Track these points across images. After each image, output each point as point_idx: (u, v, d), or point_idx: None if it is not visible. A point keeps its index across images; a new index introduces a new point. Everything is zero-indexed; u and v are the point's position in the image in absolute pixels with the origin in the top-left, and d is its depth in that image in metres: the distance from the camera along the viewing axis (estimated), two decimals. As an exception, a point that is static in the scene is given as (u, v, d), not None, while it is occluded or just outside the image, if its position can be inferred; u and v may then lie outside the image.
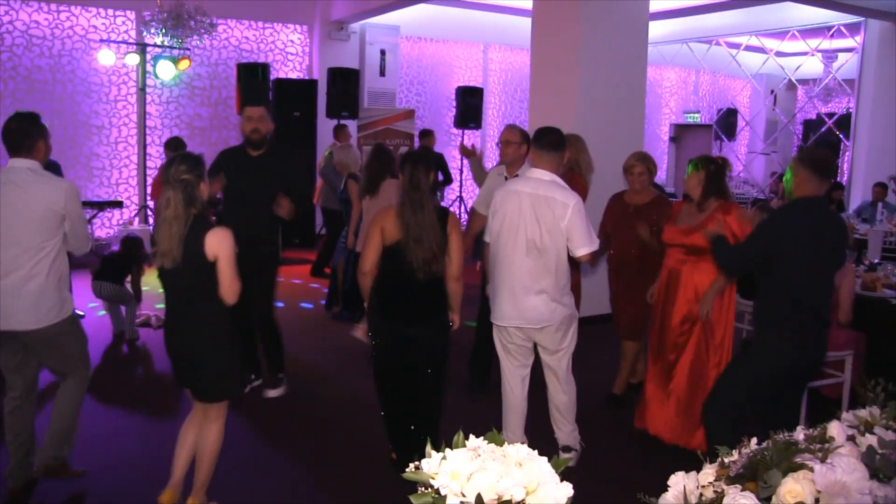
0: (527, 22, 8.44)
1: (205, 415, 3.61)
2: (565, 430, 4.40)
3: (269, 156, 5.22)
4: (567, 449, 4.40)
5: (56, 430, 3.87)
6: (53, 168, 7.38)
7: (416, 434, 4.11)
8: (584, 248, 4.08)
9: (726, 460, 1.85)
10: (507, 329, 4.25)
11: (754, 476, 1.66)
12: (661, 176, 16.06)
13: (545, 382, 4.41)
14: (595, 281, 6.96)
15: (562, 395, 4.35)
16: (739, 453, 1.83)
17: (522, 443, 3.41)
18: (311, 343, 6.82)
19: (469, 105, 13.43)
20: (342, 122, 11.16)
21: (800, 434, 1.82)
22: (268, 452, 4.55)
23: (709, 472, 1.85)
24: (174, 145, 8.16)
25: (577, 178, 5.44)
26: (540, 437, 4.27)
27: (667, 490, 1.81)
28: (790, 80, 15.55)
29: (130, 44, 11.35)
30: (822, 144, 14.40)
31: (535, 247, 4.05)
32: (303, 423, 5.01)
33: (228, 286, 3.37)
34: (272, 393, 5.38)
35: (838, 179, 12.25)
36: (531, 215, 4.05)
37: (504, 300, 4.17)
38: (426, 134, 11.44)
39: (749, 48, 15.50)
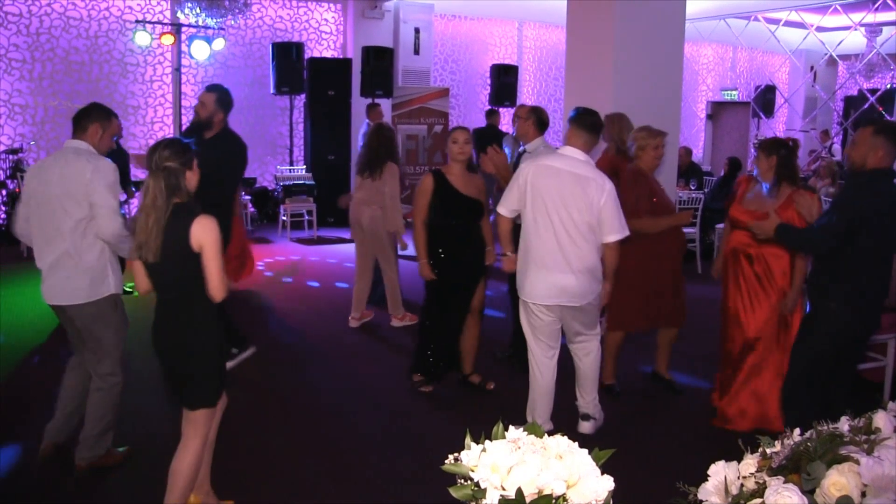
0: (562, -1, 8.32)
1: (184, 430, 3.27)
2: (588, 398, 4.49)
3: (214, 139, 5.19)
4: (587, 417, 4.51)
5: (91, 432, 3.88)
6: (119, 154, 7.50)
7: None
8: (615, 234, 4.09)
9: (768, 451, 1.82)
10: (536, 308, 4.23)
11: (797, 468, 1.63)
12: (697, 154, 15.84)
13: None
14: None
15: (586, 365, 4.43)
16: (782, 444, 1.80)
17: (548, 430, 3.41)
18: (342, 323, 6.83)
19: (504, 83, 13.36)
20: (375, 100, 11.14)
21: (844, 425, 1.78)
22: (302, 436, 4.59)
23: (750, 463, 1.82)
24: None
25: (624, 163, 5.38)
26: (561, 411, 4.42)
27: (707, 479, 1.79)
28: (831, 55, 15.18)
29: (166, 24, 11.41)
30: (864, 121, 14.09)
31: (571, 224, 4.03)
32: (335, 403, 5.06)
33: (215, 279, 3.07)
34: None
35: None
36: (567, 192, 4.03)
37: (539, 277, 4.15)
38: (492, 113, 11.63)
39: (788, 23, 15.12)
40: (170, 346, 3.20)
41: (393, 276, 6.79)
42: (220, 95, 5.25)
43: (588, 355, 4.41)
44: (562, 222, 4.04)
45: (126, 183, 7.57)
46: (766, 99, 16.19)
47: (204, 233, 3.03)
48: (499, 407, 4.81)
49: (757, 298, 4.55)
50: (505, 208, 4.28)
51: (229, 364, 5.45)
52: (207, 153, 5.24)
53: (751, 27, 15.56)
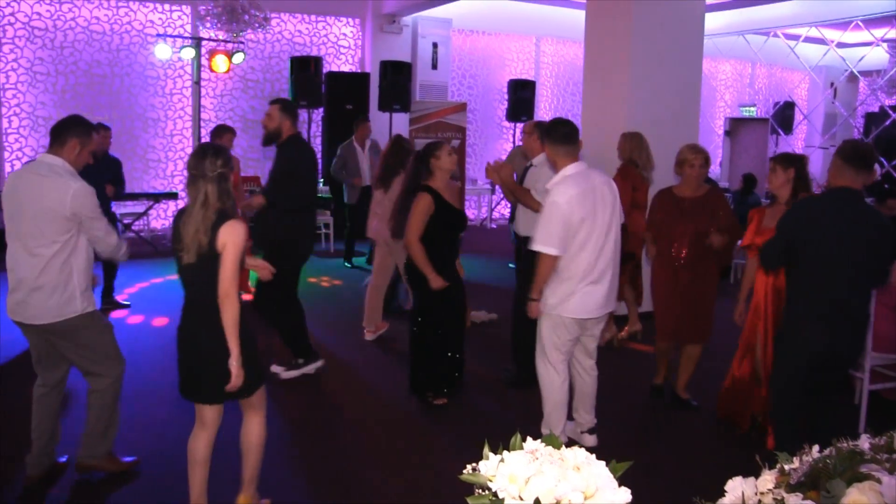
0: (580, 14, 8.33)
1: (243, 410, 3.53)
2: (592, 413, 4.56)
3: (284, 146, 5.42)
4: (592, 430, 4.56)
5: (90, 432, 3.93)
6: (114, 163, 7.54)
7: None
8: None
9: (786, 467, 1.79)
10: (568, 322, 4.24)
11: (816, 485, 1.61)
12: (714, 170, 15.76)
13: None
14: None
15: (593, 382, 4.53)
16: (801, 460, 1.77)
17: (564, 442, 3.40)
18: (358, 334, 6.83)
19: (521, 98, 13.37)
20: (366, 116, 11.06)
21: (865, 443, 1.75)
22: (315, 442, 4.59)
23: (768, 479, 1.79)
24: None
25: (632, 170, 5.71)
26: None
27: (723, 495, 1.77)
28: (852, 71, 15.11)
29: (186, 38, 11.52)
30: (885, 138, 13.98)
31: (611, 235, 4.20)
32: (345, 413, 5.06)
33: (225, 281, 3.18)
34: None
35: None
36: (604, 206, 4.16)
37: (588, 292, 4.18)
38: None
39: (808, 39, 15.09)
40: (200, 346, 3.30)
41: (384, 288, 6.85)
42: (283, 105, 5.40)
43: (594, 371, 4.54)
44: (604, 235, 4.16)
45: (118, 190, 7.60)
46: (784, 115, 16.11)
47: (230, 234, 3.17)
48: (507, 420, 4.79)
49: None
50: (555, 248, 4.07)
51: (291, 373, 5.55)
52: (280, 160, 5.39)
53: (770, 43, 15.52)
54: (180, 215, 3.28)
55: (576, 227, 4.07)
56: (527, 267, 5.39)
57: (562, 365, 4.35)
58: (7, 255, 3.74)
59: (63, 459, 4.07)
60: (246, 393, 3.39)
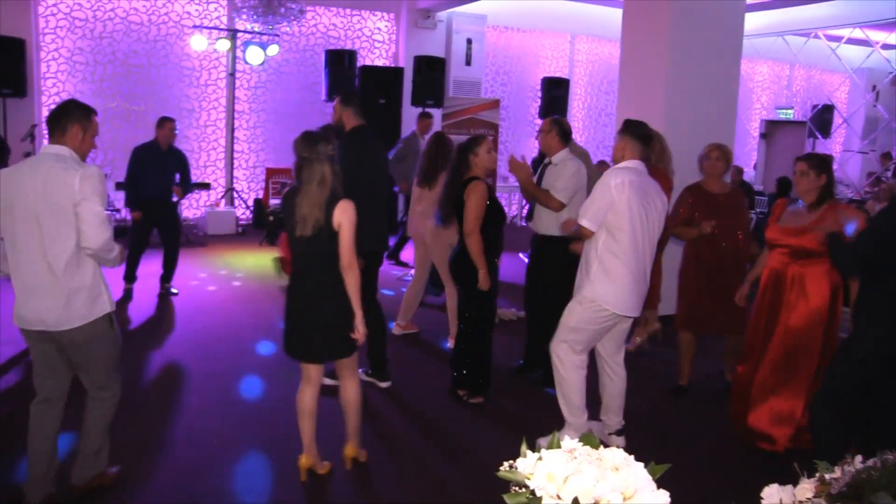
0: (616, 12, 8.27)
1: (340, 373, 3.97)
2: (620, 415, 4.57)
3: (348, 137, 5.16)
4: (620, 432, 4.57)
5: (84, 451, 3.67)
6: (179, 156, 7.60)
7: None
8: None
9: (827, 476, 1.75)
10: (606, 316, 4.28)
11: (859, 496, 1.56)
12: (749, 173, 15.56)
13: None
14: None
15: (621, 382, 4.53)
16: (842, 470, 1.72)
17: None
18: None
19: (554, 96, 13.31)
20: (426, 110, 11.14)
21: (911, 454, 1.70)
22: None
23: (806, 488, 1.75)
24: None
25: (661, 170, 5.71)
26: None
27: (759, 502, 1.72)
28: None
29: (222, 30, 11.60)
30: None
31: (652, 235, 4.26)
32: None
33: (346, 254, 3.63)
34: None
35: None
36: (650, 204, 4.22)
37: (632, 290, 4.25)
38: None
39: (851, 41, 14.81)
40: (317, 310, 3.72)
41: (423, 285, 6.81)
42: (342, 96, 5.23)
43: (622, 371, 4.55)
44: (645, 234, 4.21)
45: (185, 183, 7.69)
46: (823, 119, 15.85)
47: (343, 213, 3.60)
48: (537, 418, 4.76)
49: (780, 318, 4.45)
50: (593, 223, 4.21)
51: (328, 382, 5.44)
52: (345, 152, 5.14)
53: (810, 44, 15.28)
54: (293, 194, 3.68)
55: (622, 213, 4.12)
56: (548, 265, 5.38)
57: (583, 355, 4.40)
58: (12, 259, 3.40)
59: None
60: (347, 352, 3.84)
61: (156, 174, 7.36)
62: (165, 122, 7.41)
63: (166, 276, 7.69)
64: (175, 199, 7.61)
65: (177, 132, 7.64)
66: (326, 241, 3.63)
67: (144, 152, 7.33)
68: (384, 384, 5.43)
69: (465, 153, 4.96)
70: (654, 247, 4.32)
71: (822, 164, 4.40)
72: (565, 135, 5.39)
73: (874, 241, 3.65)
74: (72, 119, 3.44)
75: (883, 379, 3.80)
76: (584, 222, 4.22)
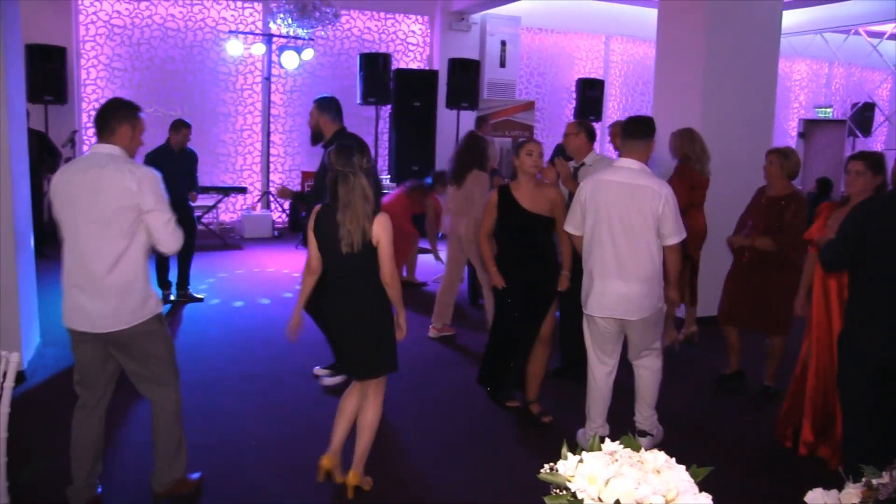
0: (651, 13, 8.19)
1: (363, 392, 3.81)
2: (645, 414, 4.50)
3: (328, 145, 5.24)
4: (643, 433, 4.50)
5: (162, 456, 3.64)
6: (190, 157, 7.69)
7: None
8: (675, 237, 4.19)
9: (874, 482, 1.71)
10: (597, 319, 4.29)
11: (910, 501, 1.52)
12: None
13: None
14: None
15: (648, 382, 4.45)
16: (891, 476, 1.68)
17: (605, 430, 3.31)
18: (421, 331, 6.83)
19: (589, 97, 13.25)
20: (483, 114, 11.03)
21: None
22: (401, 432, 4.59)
23: (852, 493, 1.71)
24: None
25: (688, 168, 5.91)
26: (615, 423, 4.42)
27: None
28: (938, 71, 14.52)
29: (257, 34, 11.71)
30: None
31: (630, 234, 4.12)
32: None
33: (388, 267, 3.60)
34: None
35: None
36: (624, 203, 4.12)
37: (599, 290, 4.23)
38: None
39: (893, 36, 14.52)
40: (354, 323, 3.67)
41: (457, 285, 6.77)
42: (318, 103, 5.39)
43: (647, 371, 4.46)
44: (621, 233, 4.13)
45: (192, 184, 7.73)
46: (863, 117, 15.57)
47: (382, 229, 3.55)
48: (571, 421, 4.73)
49: (830, 324, 4.34)
50: (571, 226, 4.41)
51: (334, 380, 5.41)
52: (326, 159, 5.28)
53: (849, 41, 15.02)
54: (331, 212, 3.57)
55: (587, 214, 4.24)
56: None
57: (598, 359, 4.40)
58: (66, 259, 3.41)
59: (100, 490, 3.67)
60: (390, 368, 3.79)
61: (170, 178, 7.37)
62: (182, 128, 7.42)
63: (181, 283, 7.61)
64: (190, 202, 7.63)
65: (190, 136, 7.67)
66: (367, 256, 3.58)
67: (158, 157, 7.12)
68: (329, 380, 5.39)
69: (512, 156, 4.98)
70: (646, 246, 4.12)
71: (879, 162, 4.28)
72: (592, 136, 5.51)
73: (849, 233, 3.52)
74: (121, 119, 3.43)
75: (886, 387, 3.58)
76: (568, 228, 4.42)
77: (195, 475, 3.86)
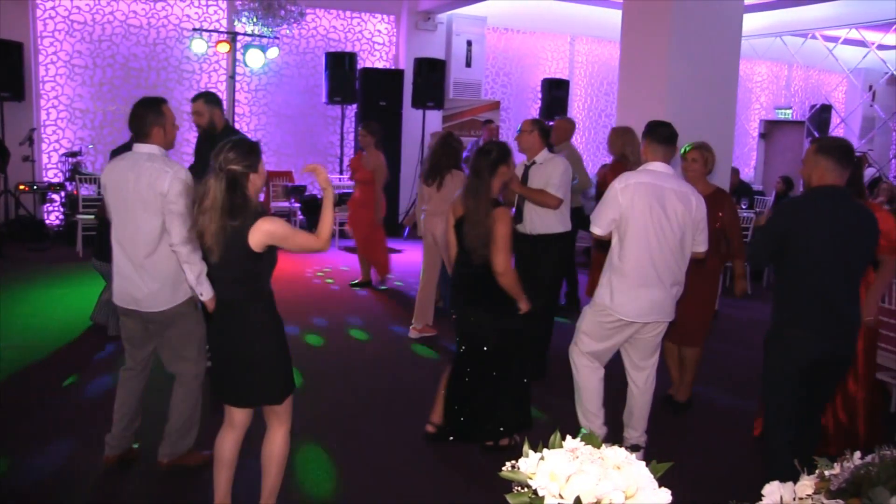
0: (615, 14, 8.29)
1: (268, 420, 3.36)
2: (639, 431, 4.38)
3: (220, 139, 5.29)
4: (636, 448, 4.35)
5: (173, 429, 3.96)
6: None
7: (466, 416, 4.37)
8: (705, 244, 4.16)
9: (827, 473, 1.77)
10: (611, 325, 4.16)
11: (858, 492, 1.58)
12: (748, 173, 15.59)
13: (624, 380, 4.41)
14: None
15: (641, 397, 4.33)
16: (842, 466, 1.74)
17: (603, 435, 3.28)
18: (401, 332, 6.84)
19: (555, 97, 13.35)
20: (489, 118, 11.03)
21: (909, 450, 1.72)
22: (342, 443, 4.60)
23: (807, 484, 1.77)
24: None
25: (623, 166, 5.73)
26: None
27: (761, 499, 1.74)
28: (892, 74, 14.85)
29: (222, 32, 11.62)
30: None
31: (669, 239, 4.02)
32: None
33: (315, 241, 3.23)
34: None
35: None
36: (669, 208, 4.00)
37: (635, 295, 4.06)
38: None
39: (848, 41, 14.85)
40: (233, 347, 3.17)
41: (434, 284, 6.77)
42: (207, 97, 5.40)
43: (645, 385, 4.34)
44: (659, 239, 4.01)
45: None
46: (821, 118, 15.88)
47: (270, 229, 3.05)
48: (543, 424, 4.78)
49: None
50: (600, 228, 4.12)
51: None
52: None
53: (808, 45, 15.31)
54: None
55: (626, 217, 4.02)
56: (543, 264, 5.36)
57: (594, 362, 4.28)
58: (114, 243, 3.78)
59: (136, 446, 4.11)
60: (277, 399, 3.26)
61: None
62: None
63: None
64: None
65: None
66: (235, 269, 3.15)
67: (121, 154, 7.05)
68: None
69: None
70: (679, 250, 4.07)
71: (849, 155, 4.26)
72: (546, 134, 5.49)
73: (774, 232, 3.58)
74: (149, 123, 3.74)
75: (820, 382, 3.66)
76: (594, 229, 4.15)
77: (206, 452, 3.93)
